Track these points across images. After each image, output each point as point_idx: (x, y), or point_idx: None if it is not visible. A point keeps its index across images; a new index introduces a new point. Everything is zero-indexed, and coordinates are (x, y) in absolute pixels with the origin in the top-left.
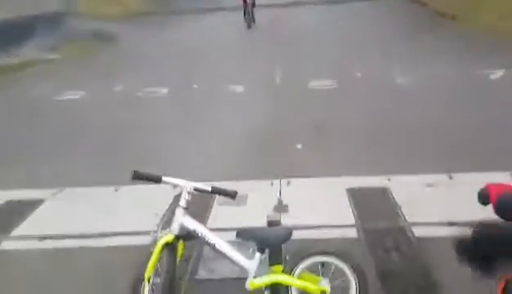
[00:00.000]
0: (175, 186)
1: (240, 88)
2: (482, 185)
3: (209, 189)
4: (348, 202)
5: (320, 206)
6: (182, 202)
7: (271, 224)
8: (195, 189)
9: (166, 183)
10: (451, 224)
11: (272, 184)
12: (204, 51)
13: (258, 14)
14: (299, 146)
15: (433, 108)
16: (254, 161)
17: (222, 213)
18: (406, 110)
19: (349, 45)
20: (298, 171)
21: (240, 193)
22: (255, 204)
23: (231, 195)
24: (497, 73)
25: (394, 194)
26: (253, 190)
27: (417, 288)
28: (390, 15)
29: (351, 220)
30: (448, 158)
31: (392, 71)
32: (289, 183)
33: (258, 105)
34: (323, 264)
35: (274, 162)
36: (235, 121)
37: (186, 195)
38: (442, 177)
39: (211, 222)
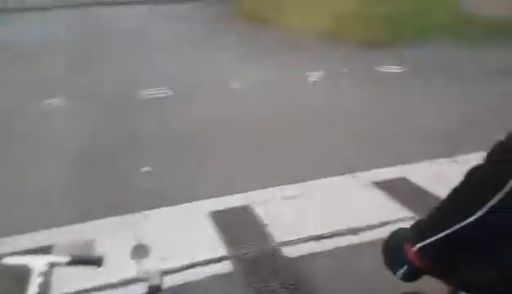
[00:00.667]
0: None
1: (59, 102)
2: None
3: (67, 260)
4: (214, 230)
5: (185, 239)
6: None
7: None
8: (51, 265)
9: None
10: (319, 237)
11: (127, 220)
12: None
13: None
14: (146, 169)
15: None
16: (93, 192)
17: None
18: (246, 115)
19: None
20: (151, 199)
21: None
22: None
23: (97, 263)
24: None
25: (257, 212)
26: (104, 232)
27: None
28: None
29: (222, 251)
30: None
31: (224, 76)
32: (147, 217)
33: (82, 122)
34: None
35: (115, 190)
36: (56, 139)
37: (38, 278)
38: (299, 186)
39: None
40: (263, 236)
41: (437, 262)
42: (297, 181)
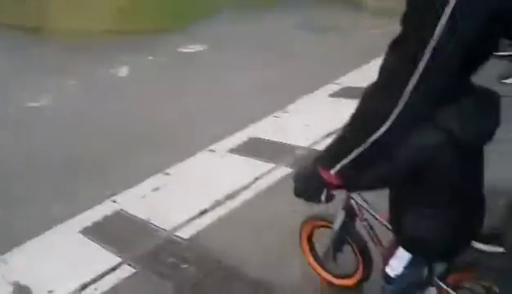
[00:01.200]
0: None
1: None
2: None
3: None
4: (96, 244)
5: (67, 264)
6: None
7: None
8: None
9: None
10: (202, 212)
11: None
12: None
13: None
14: None
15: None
16: None
17: None
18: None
19: None
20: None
21: None
22: None
23: None
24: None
25: (132, 212)
26: None
27: None
28: None
29: (114, 259)
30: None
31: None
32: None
33: None
34: None
35: None
36: None
37: None
38: (163, 176)
39: None
40: (151, 230)
41: (350, 177)
42: (159, 171)
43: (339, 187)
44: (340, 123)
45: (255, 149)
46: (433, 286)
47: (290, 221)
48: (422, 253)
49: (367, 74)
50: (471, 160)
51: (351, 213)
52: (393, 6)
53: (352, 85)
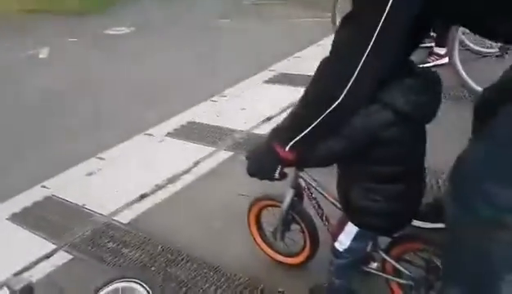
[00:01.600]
0: None
1: None
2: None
3: None
4: (26, 231)
5: None
6: None
7: None
8: None
9: None
10: (142, 196)
11: None
12: None
13: None
14: None
15: None
16: None
17: None
18: None
19: None
20: None
21: None
22: None
23: None
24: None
25: (65, 197)
26: None
27: None
28: None
29: (48, 246)
30: None
31: None
32: None
33: None
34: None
35: None
36: None
37: None
38: (98, 160)
39: None
40: (87, 215)
41: (304, 153)
42: (94, 155)
43: (292, 163)
44: (277, 108)
45: (194, 132)
46: (376, 259)
47: (233, 203)
48: (368, 227)
49: (301, 61)
50: (415, 138)
51: (299, 192)
52: None
53: (286, 71)
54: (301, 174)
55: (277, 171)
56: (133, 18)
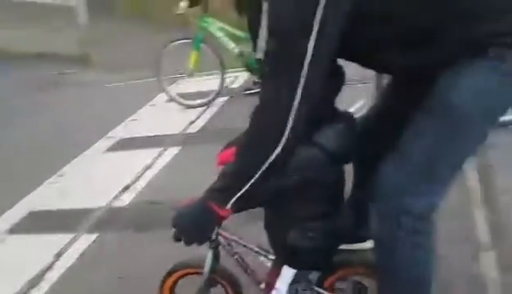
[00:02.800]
0: None
1: None
2: None
3: None
4: None
5: None
6: None
7: None
8: None
9: None
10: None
11: None
12: None
13: None
14: None
15: None
16: None
17: None
18: None
19: None
20: None
21: None
22: None
23: None
24: None
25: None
26: None
27: None
28: None
29: None
30: None
31: None
32: None
33: None
34: None
35: None
36: None
37: None
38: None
39: None
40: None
41: (243, 205)
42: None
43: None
44: (132, 175)
45: (41, 224)
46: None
47: (116, 289)
48: (306, 266)
49: (138, 124)
50: (340, 174)
51: (217, 251)
52: (122, 61)
53: (127, 136)
54: (221, 232)
55: (215, 233)
56: None
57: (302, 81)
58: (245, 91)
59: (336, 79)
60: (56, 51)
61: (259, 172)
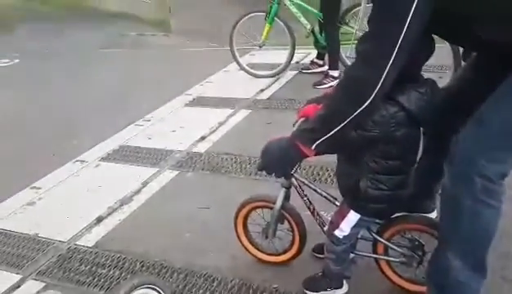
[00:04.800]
0: None
1: None
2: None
3: None
4: None
5: None
6: None
7: None
8: None
9: None
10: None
11: None
12: None
13: None
14: None
15: None
16: None
17: None
18: None
19: None
20: None
21: None
22: None
23: None
24: None
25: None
26: None
27: None
28: None
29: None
30: None
31: None
32: None
33: None
34: None
35: None
36: None
37: None
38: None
39: None
40: (45, 243)
41: (325, 148)
42: (27, 186)
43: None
44: (206, 128)
45: (130, 155)
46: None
47: (196, 216)
48: (372, 214)
49: (213, 86)
50: (418, 138)
51: (288, 193)
52: (199, 28)
53: (203, 95)
54: (293, 173)
55: (295, 168)
56: (13, 49)
57: (399, 41)
58: (303, 69)
59: (427, 48)
60: (138, 13)
61: (348, 120)
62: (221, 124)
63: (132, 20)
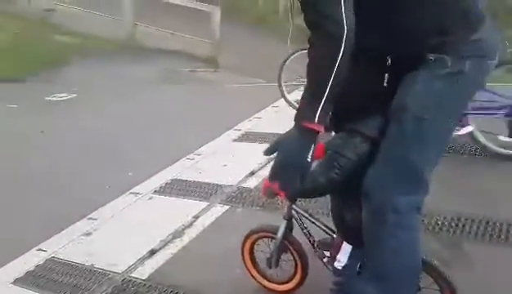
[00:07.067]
0: None
1: None
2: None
3: None
4: None
5: None
6: None
7: None
8: None
9: None
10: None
11: None
12: None
13: None
14: None
15: None
16: None
17: None
18: None
19: None
20: None
21: None
22: None
23: None
24: None
25: (64, 257)
26: None
27: None
28: None
29: None
30: None
31: None
32: None
33: None
34: None
35: None
36: None
37: None
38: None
39: None
40: (100, 274)
41: (327, 117)
42: (84, 216)
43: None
44: (255, 163)
45: (182, 189)
46: None
47: None
48: (360, 243)
49: (262, 121)
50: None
51: (290, 224)
52: (246, 65)
53: (252, 130)
54: (294, 206)
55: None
56: (70, 83)
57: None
58: None
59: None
60: (190, 50)
61: (334, 71)
62: (270, 160)
63: (185, 57)
